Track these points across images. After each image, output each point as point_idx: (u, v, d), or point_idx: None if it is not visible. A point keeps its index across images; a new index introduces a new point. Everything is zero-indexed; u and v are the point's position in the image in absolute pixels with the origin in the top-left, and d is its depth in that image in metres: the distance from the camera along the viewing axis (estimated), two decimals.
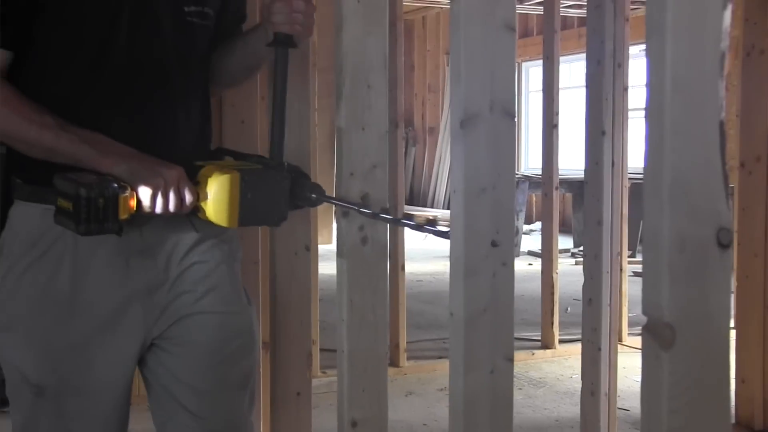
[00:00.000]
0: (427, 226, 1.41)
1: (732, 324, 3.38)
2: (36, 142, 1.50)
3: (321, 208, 7.59)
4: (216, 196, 1.51)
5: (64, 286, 1.57)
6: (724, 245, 0.88)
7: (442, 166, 12.14)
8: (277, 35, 1.62)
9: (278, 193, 1.57)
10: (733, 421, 3.44)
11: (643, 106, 0.88)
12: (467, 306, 1.15)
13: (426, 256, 8.13)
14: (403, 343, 4.34)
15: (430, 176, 12.51)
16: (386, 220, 1.47)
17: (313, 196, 1.60)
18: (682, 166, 0.86)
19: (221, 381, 1.72)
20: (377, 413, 1.54)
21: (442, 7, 8.48)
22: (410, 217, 1.47)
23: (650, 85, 0.87)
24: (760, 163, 3.48)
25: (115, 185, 1.42)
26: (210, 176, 1.51)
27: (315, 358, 3.88)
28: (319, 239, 4.71)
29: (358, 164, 1.50)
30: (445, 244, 1.17)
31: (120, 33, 1.58)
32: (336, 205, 1.49)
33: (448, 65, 11.63)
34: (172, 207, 1.48)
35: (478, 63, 1.12)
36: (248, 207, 1.53)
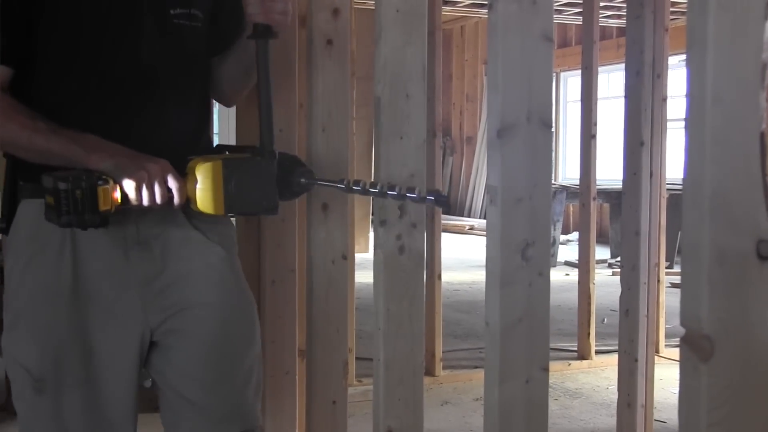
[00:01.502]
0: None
1: None
2: (30, 146, 1.56)
3: (358, 217, 7.58)
4: (201, 185, 1.55)
5: (66, 276, 1.61)
6: (764, 257, 0.87)
7: (480, 176, 12.12)
8: (255, 27, 1.61)
9: (264, 181, 1.59)
10: None
11: (682, 116, 0.88)
12: (503, 315, 1.15)
13: (463, 265, 8.12)
14: (439, 353, 4.33)
15: (468, 186, 12.50)
16: (363, 193, 1.51)
17: (303, 180, 1.63)
18: (722, 178, 0.85)
19: (226, 372, 1.74)
20: (413, 422, 1.55)
21: (480, 17, 8.47)
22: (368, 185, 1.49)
23: (690, 96, 0.87)
24: None
25: (94, 178, 1.47)
26: (195, 167, 1.56)
27: (351, 366, 3.88)
28: (356, 248, 4.72)
29: (396, 173, 1.51)
30: (482, 253, 1.17)
31: (108, 41, 1.63)
32: (325, 186, 1.60)
33: (485, 75, 11.62)
34: (158, 198, 1.52)
35: (515, 73, 1.13)
36: (233, 194, 1.56)
